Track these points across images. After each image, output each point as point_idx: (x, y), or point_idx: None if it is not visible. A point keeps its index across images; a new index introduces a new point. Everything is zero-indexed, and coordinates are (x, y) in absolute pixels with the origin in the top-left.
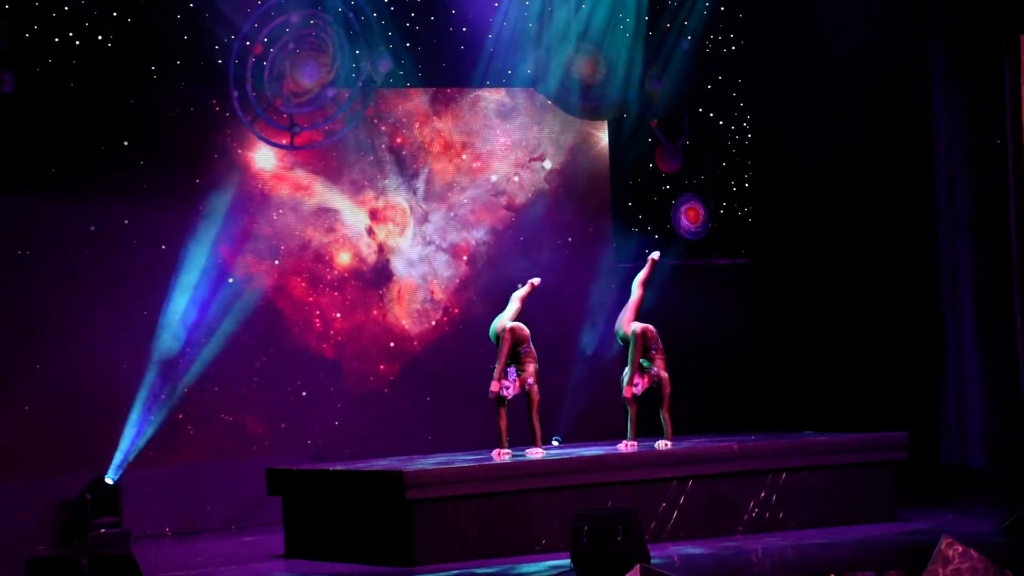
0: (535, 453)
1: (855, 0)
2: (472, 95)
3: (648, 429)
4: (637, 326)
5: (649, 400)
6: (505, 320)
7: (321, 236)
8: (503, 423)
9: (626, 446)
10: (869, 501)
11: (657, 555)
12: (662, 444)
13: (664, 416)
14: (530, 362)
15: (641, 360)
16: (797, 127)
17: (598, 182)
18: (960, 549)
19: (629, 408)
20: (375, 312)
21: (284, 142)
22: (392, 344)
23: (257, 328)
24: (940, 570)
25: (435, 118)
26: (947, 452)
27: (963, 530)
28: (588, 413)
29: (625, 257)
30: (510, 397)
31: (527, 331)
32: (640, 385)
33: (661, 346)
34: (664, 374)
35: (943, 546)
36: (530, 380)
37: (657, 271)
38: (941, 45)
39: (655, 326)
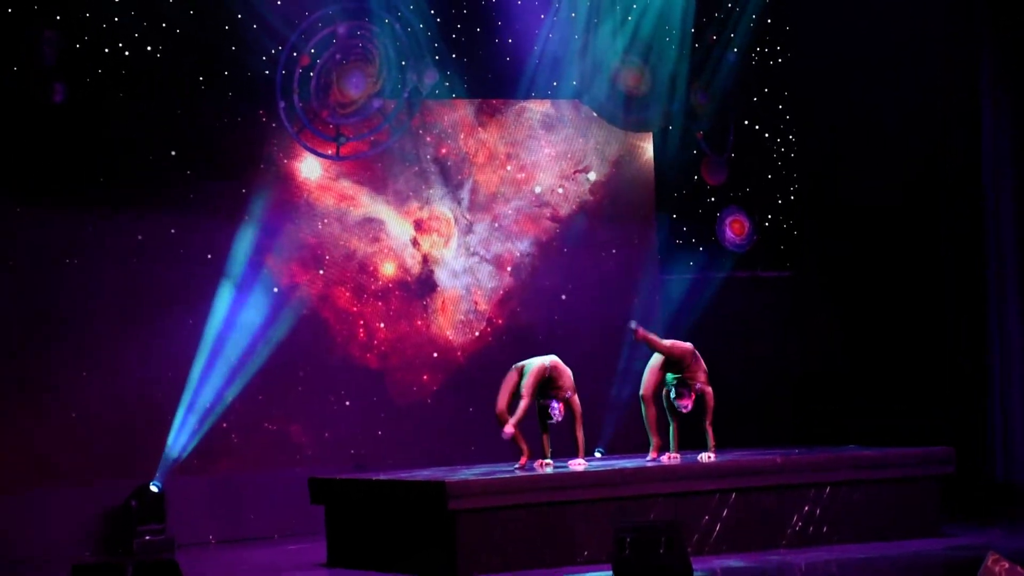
0: (578, 465)
1: (901, 8)
2: (517, 106)
3: (691, 442)
4: (685, 346)
5: (692, 412)
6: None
7: (366, 246)
8: (546, 434)
9: (669, 458)
10: (914, 516)
11: (700, 568)
12: (705, 456)
13: (707, 428)
14: (566, 378)
15: (684, 377)
16: (842, 139)
17: (643, 194)
18: (1006, 565)
19: (672, 420)
20: (419, 322)
21: (330, 152)
22: (436, 354)
23: (301, 337)
24: None
25: (480, 129)
26: (993, 468)
27: (1010, 546)
28: (630, 425)
29: (670, 270)
30: (557, 420)
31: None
32: (687, 405)
33: (702, 361)
34: (707, 388)
35: (989, 562)
36: (569, 393)
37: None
38: (989, 50)
39: (701, 338)
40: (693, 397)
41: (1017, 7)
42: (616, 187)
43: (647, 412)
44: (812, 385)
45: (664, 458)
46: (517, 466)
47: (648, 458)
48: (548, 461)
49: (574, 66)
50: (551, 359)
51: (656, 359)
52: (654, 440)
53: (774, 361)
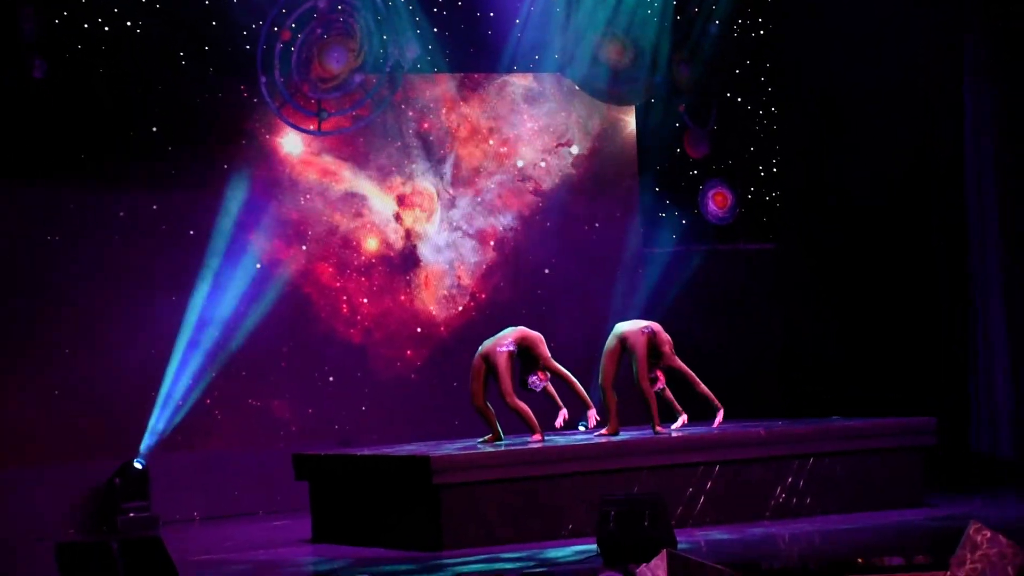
0: (593, 419)
1: None
2: (499, 80)
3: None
4: (635, 329)
5: (683, 385)
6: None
7: (348, 221)
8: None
9: (662, 430)
10: (897, 487)
11: (684, 540)
12: (719, 419)
13: (702, 393)
14: (539, 347)
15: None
16: (825, 112)
17: (625, 167)
18: (988, 535)
19: (647, 397)
20: (402, 297)
21: (312, 128)
22: (419, 329)
23: (284, 313)
24: (968, 556)
25: (462, 103)
26: (976, 439)
27: (992, 516)
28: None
29: (652, 242)
30: (539, 390)
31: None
32: (660, 381)
33: (663, 335)
34: (676, 362)
35: (971, 531)
36: (543, 362)
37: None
38: (973, 33)
39: (684, 310)
40: (662, 377)
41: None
42: (599, 160)
43: (609, 400)
44: (795, 357)
45: (677, 423)
46: (481, 440)
47: (596, 433)
48: (537, 437)
49: (556, 39)
50: (513, 336)
51: (610, 345)
52: (612, 424)
53: (757, 334)
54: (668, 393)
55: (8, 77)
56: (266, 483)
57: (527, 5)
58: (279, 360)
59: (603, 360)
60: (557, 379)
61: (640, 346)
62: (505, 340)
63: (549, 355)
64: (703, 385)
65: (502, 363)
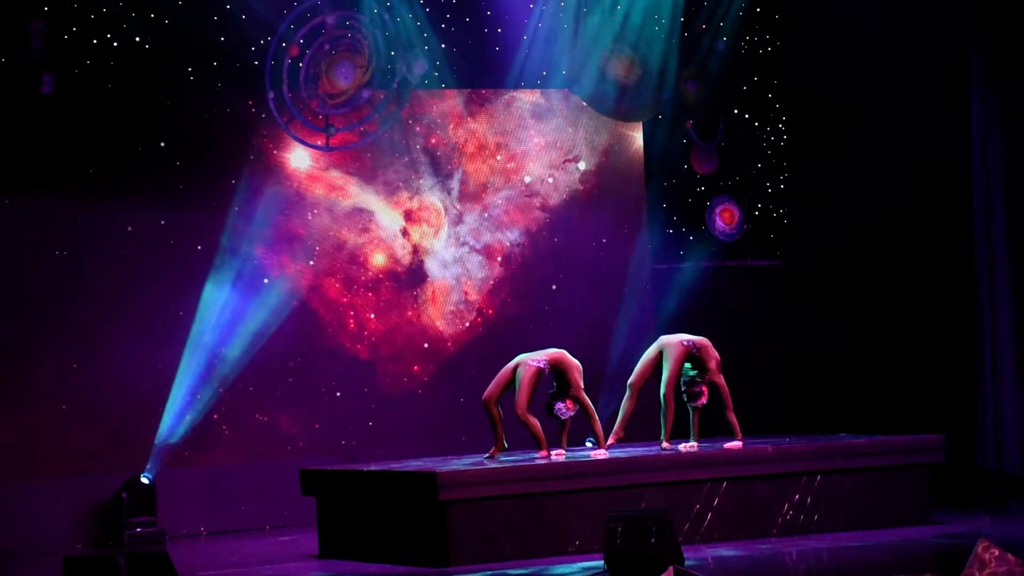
0: (599, 454)
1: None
2: (507, 96)
3: (681, 431)
4: (676, 340)
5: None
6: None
7: (356, 237)
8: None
9: (668, 446)
10: (904, 504)
11: (691, 557)
12: (734, 445)
13: (730, 417)
14: (573, 374)
15: (691, 371)
16: (831, 128)
17: (633, 183)
18: (997, 553)
19: (666, 409)
20: (409, 313)
21: (319, 143)
22: (426, 345)
23: (292, 329)
24: (976, 574)
25: (470, 119)
26: (983, 456)
27: (1000, 534)
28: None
29: (660, 259)
30: (563, 418)
31: (530, 377)
32: (703, 396)
33: (715, 354)
34: (719, 379)
35: (979, 549)
36: (573, 390)
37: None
38: (977, 42)
39: (691, 327)
40: (706, 392)
41: (1006, 3)
42: (606, 176)
43: (627, 403)
44: (803, 373)
45: (683, 447)
46: (486, 456)
47: (607, 443)
48: (558, 451)
49: (564, 56)
50: (550, 355)
51: (650, 351)
52: (618, 431)
53: (765, 350)
54: (696, 416)
55: (17, 92)
56: (273, 498)
57: (535, 21)
58: (286, 375)
59: (639, 363)
60: (579, 411)
61: (675, 357)
62: (540, 356)
63: (581, 386)
64: (733, 413)
65: (527, 375)
